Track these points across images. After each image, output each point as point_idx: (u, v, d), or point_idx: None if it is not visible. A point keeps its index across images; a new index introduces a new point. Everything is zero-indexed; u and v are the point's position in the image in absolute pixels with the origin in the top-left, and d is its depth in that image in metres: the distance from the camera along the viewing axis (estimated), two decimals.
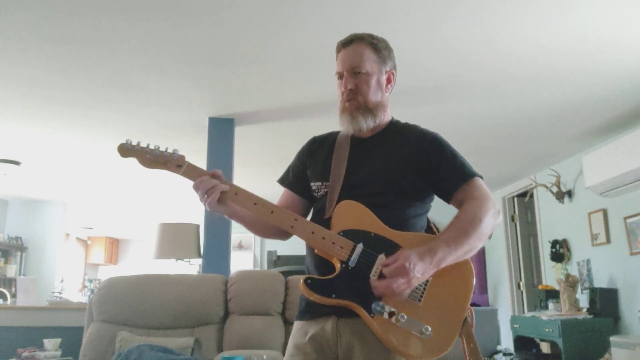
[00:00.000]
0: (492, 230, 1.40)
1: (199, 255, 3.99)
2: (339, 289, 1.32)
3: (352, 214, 1.38)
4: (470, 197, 1.40)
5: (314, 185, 1.52)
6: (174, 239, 3.95)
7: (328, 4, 2.58)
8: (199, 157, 3.52)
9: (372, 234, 1.35)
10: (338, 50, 1.52)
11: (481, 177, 1.45)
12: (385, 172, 1.43)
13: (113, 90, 3.60)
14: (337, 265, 1.34)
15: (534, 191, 5.85)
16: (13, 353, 3.30)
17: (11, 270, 6.96)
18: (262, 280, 3.10)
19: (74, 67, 3.23)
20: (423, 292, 1.32)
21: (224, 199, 1.40)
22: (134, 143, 1.44)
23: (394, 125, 1.54)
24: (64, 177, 6.04)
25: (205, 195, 1.38)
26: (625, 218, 4.40)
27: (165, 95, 3.70)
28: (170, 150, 1.43)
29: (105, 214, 8.47)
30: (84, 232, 10.17)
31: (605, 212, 4.68)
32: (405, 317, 1.28)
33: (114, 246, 11.22)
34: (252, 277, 3.14)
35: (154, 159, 1.43)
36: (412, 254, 1.26)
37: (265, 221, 1.44)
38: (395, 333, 1.28)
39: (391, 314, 1.28)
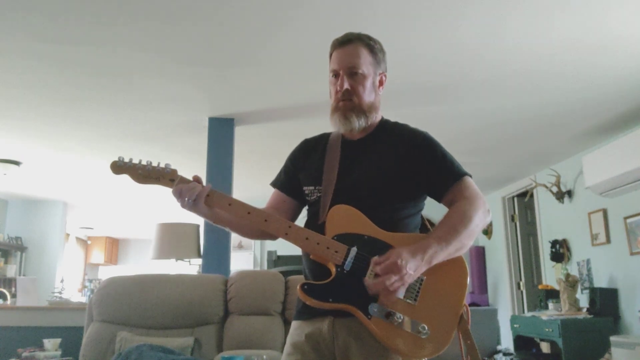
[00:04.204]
0: (483, 228, 1.42)
1: (199, 255, 3.99)
2: (336, 293, 1.32)
3: (345, 218, 1.39)
4: (460, 196, 1.41)
5: (307, 189, 1.52)
6: (173, 239, 3.95)
7: (329, 5, 2.58)
8: (199, 157, 3.53)
9: (366, 237, 1.36)
10: (333, 48, 1.51)
11: (470, 176, 1.46)
12: (376, 175, 1.44)
13: (113, 90, 3.60)
14: (333, 270, 1.34)
15: (534, 191, 5.85)
16: (13, 353, 3.30)
17: (11, 270, 6.97)
18: (262, 280, 3.10)
19: (74, 67, 3.23)
20: (418, 292, 1.33)
21: (210, 202, 1.40)
22: (126, 160, 1.44)
23: (383, 125, 1.54)
24: (64, 177, 6.04)
25: (186, 198, 1.38)
26: (625, 218, 4.40)
27: (165, 96, 3.70)
28: (162, 165, 1.43)
29: (105, 214, 8.47)
30: (84, 232, 10.18)
31: (605, 212, 4.68)
32: (402, 317, 1.29)
33: (114, 246, 11.23)
34: (252, 277, 3.14)
35: (146, 174, 1.43)
36: (404, 251, 1.27)
37: (258, 228, 1.44)
38: (393, 333, 1.29)
39: (388, 315, 1.28)
